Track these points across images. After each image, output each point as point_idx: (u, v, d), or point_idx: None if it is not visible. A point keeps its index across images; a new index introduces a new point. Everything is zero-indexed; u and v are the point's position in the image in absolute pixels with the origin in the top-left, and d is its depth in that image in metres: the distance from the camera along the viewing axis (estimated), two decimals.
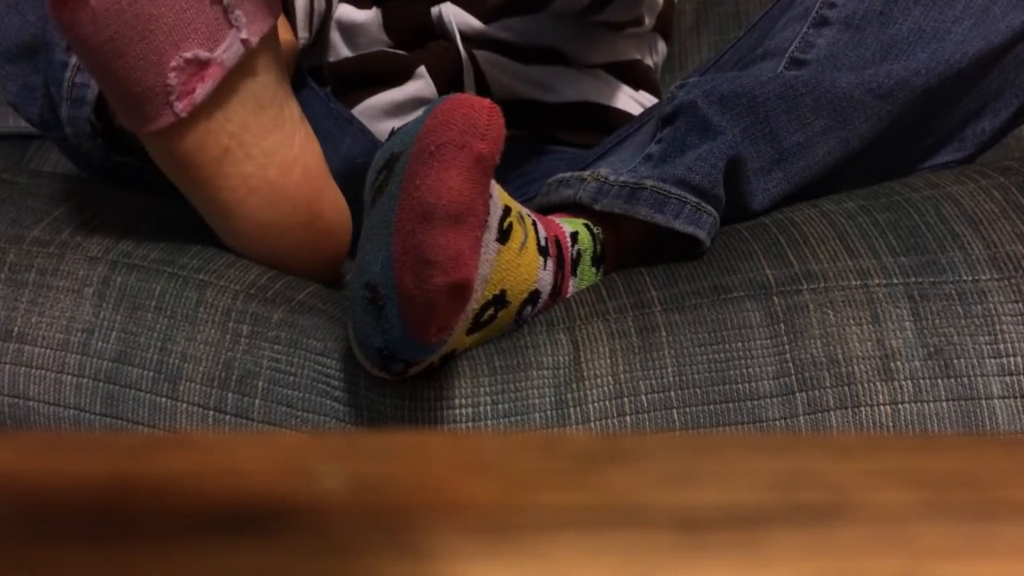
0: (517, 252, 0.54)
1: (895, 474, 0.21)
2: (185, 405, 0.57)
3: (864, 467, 0.21)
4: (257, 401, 0.56)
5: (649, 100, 0.94)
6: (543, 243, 0.57)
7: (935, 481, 0.21)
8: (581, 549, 0.19)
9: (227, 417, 0.56)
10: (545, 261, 0.57)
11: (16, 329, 0.59)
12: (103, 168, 0.69)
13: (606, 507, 0.20)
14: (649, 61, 0.98)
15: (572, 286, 0.60)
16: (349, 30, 0.91)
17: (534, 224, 0.57)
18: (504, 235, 0.53)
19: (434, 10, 0.86)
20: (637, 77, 0.94)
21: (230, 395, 0.56)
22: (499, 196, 0.53)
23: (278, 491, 0.20)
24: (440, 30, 0.87)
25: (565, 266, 0.59)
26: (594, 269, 0.62)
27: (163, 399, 0.57)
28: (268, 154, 0.58)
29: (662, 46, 1.02)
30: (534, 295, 0.56)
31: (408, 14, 0.88)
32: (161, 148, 0.57)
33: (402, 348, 0.49)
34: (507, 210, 0.54)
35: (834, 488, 0.20)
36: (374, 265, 0.49)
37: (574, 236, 0.61)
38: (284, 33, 0.73)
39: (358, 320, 0.51)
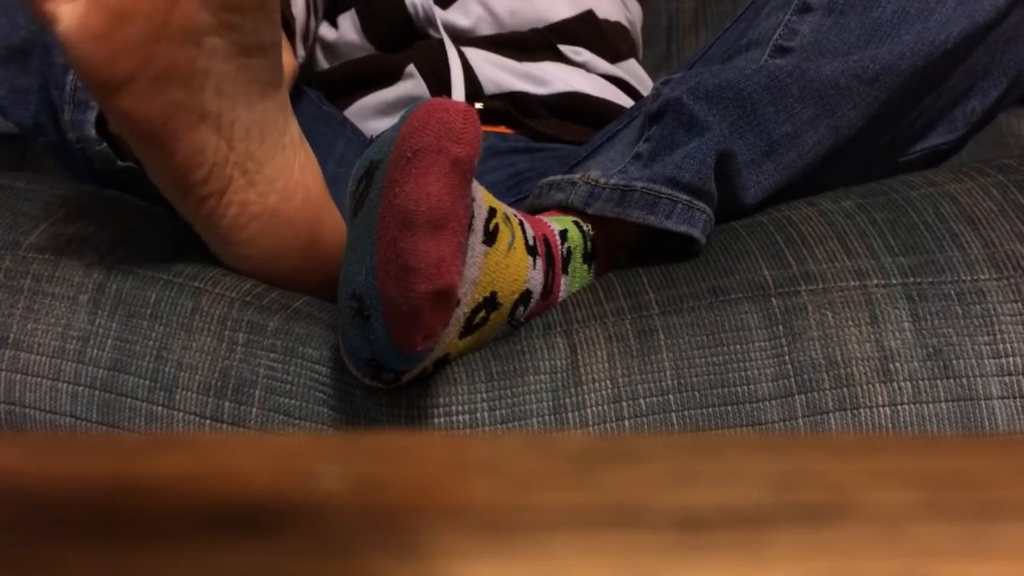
0: (505, 253, 0.54)
1: (895, 474, 0.21)
2: (181, 414, 0.56)
3: (864, 467, 0.21)
4: (254, 410, 0.56)
5: (641, 84, 0.94)
6: (531, 243, 0.57)
7: (935, 481, 0.21)
8: (581, 549, 0.19)
9: (223, 426, 0.56)
10: (534, 260, 0.56)
11: (12, 336, 0.58)
12: (103, 173, 0.69)
13: (606, 507, 0.20)
14: (623, 19, 0.98)
15: (564, 284, 0.60)
16: (329, 44, 0.91)
17: (521, 224, 0.57)
18: (490, 237, 0.53)
19: (409, 4, 0.86)
20: (613, 38, 0.94)
21: (227, 404, 0.56)
22: (483, 198, 0.53)
23: (278, 491, 0.20)
24: (420, 25, 0.87)
25: (555, 264, 0.59)
26: (586, 266, 0.62)
27: (159, 408, 0.57)
28: (270, 180, 0.58)
29: (635, 6, 1.02)
30: (525, 295, 0.56)
31: (384, 13, 0.88)
32: (167, 182, 0.56)
33: (389, 358, 0.49)
34: (492, 211, 0.54)
35: (834, 488, 0.20)
36: (358, 275, 0.49)
37: (563, 234, 0.61)
38: (285, 55, 0.72)
39: (346, 331, 0.51)
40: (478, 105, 0.84)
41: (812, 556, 0.19)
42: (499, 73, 0.86)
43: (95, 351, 0.58)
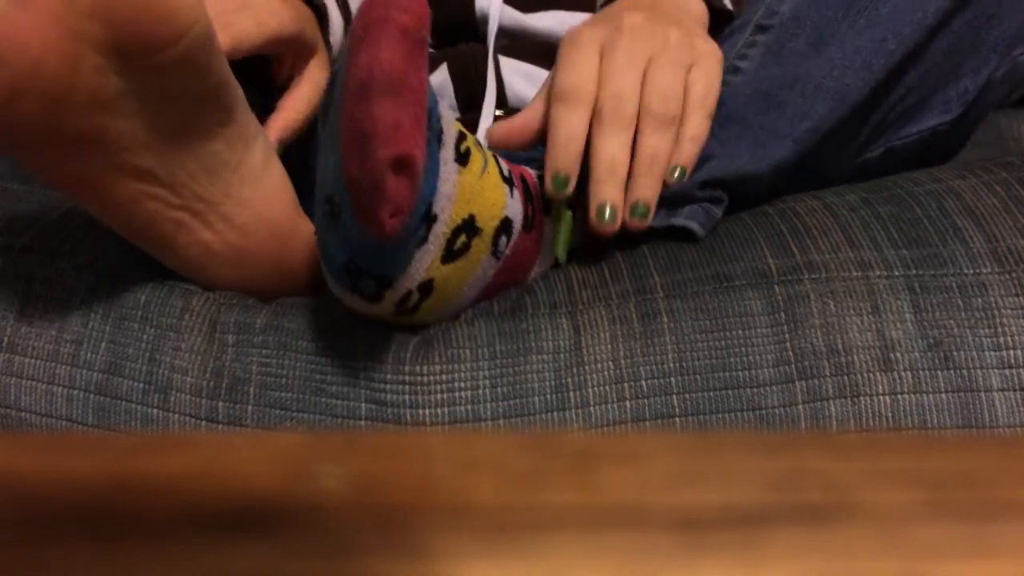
0: (478, 176, 0.53)
1: (895, 474, 0.21)
2: (177, 416, 0.56)
3: (864, 467, 0.21)
4: (249, 407, 0.55)
5: None
6: (506, 174, 0.56)
7: (935, 481, 0.21)
8: (581, 549, 0.19)
9: (219, 427, 0.55)
10: (511, 190, 0.56)
11: (6, 339, 0.58)
12: None
13: (606, 507, 0.20)
14: None
15: (547, 226, 0.60)
16: None
17: (495, 156, 0.57)
18: (463, 157, 0.52)
19: (479, 4, 0.85)
20: None
21: (220, 404, 0.56)
22: (451, 123, 0.53)
23: (278, 491, 0.20)
24: (482, 28, 0.86)
25: (534, 200, 0.59)
26: (570, 213, 0.61)
27: (154, 410, 0.56)
28: (226, 219, 0.56)
29: None
30: (506, 224, 0.55)
31: (450, 7, 0.86)
32: (112, 227, 0.55)
33: (363, 252, 0.48)
34: (462, 135, 0.53)
35: (834, 488, 0.20)
36: (328, 175, 0.48)
37: (541, 178, 0.60)
38: (319, 73, 0.70)
39: (322, 240, 0.50)
40: (498, 112, 0.83)
41: (812, 556, 0.19)
42: (528, 88, 0.85)
43: (89, 354, 0.57)
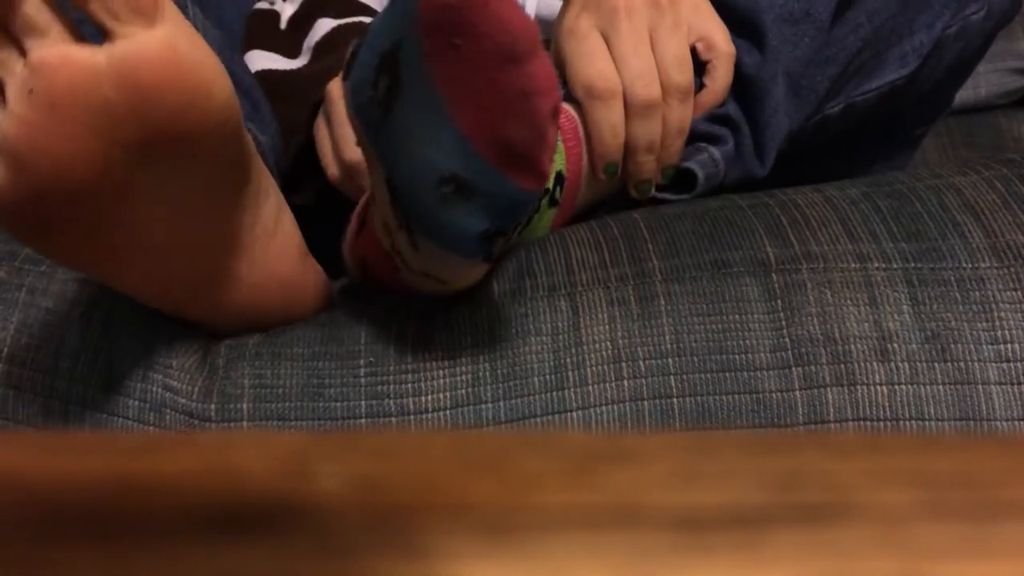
0: None
1: (895, 474, 0.21)
2: (173, 435, 0.55)
3: (864, 467, 0.21)
4: (244, 424, 0.55)
5: None
6: None
7: (935, 481, 0.21)
8: (581, 549, 0.19)
9: None
10: None
11: (6, 350, 0.57)
12: None
13: (606, 507, 0.20)
14: None
15: None
16: None
17: None
18: None
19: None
20: None
21: (213, 425, 0.55)
22: None
23: (278, 491, 0.20)
24: None
25: None
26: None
27: (151, 428, 0.56)
28: (237, 280, 0.55)
29: None
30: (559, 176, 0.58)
31: None
32: (130, 292, 0.54)
33: (511, 211, 0.47)
34: None
35: (834, 488, 0.20)
36: (437, 160, 0.46)
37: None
38: None
39: (446, 225, 0.48)
40: None
41: (812, 556, 0.19)
42: None
43: (86, 369, 0.57)
